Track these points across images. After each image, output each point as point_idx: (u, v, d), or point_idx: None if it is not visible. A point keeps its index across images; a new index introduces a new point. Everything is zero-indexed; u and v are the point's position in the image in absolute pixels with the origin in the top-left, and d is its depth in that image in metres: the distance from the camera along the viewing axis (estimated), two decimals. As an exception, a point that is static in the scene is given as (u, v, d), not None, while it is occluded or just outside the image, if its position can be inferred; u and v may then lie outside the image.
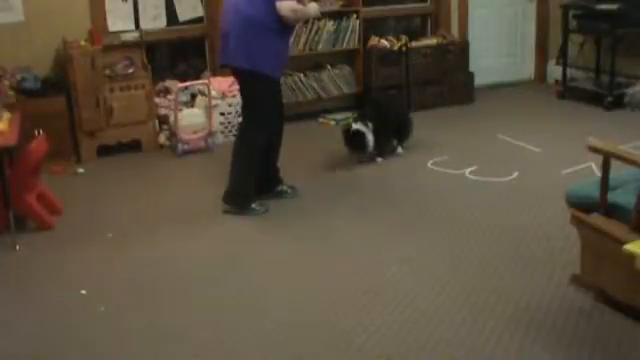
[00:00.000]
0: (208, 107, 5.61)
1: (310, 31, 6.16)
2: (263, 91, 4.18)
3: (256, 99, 4.22)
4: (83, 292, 3.41)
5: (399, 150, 5.31)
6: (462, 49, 6.72)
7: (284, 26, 4.10)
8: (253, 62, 4.05)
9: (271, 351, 2.87)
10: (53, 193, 4.43)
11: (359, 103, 6.50)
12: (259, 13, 4.00)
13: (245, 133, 4.31)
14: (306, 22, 6.03)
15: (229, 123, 5.77)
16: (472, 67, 6.79)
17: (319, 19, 6.09)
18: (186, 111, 5.64)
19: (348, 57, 6.55)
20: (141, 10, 5.82)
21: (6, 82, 5.17)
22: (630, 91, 6.26)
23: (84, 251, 3.89)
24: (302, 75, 6.25)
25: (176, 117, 5.50)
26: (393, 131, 5.27)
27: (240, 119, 5.33)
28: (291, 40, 4.91)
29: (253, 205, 4.30)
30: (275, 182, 4.53)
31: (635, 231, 2.77)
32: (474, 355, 2.76)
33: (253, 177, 4.31)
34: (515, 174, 4.78)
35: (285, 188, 4.54)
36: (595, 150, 3.00)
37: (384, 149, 5.19)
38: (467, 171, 4.87)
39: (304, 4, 4.15)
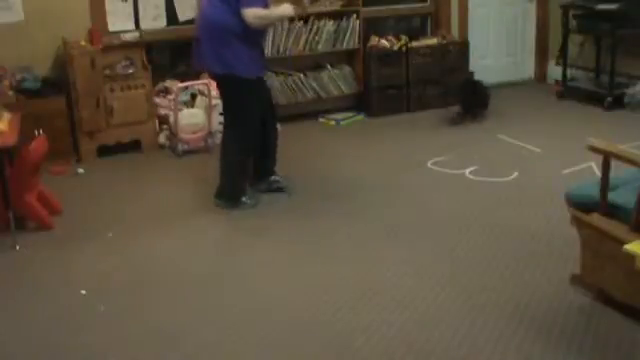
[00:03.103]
0: (208, 107, 5.60)
1: (310, 31, 6.15)
2: (241, 92, 4.18)
3: (235, 101, 4.24)
4: (83, 292, 3.41)
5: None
6: (462, 49, 6.71)
7: (252, 31, 4.06)
8: (225, 66, 4.07)
9: (271, 351, 2.87)
10: (53, 193, 4.43)
11: (359, 102, 6.52)
12: (222, 19, 4.01)
13: (229, 136, 4.32)
14: (305, 21, 6.03)
15: (229, 123, 5.76)
16: (472, 67, 6.78)
17: (319, 19, 6.09)
18: (186, 111, 5.64)
19: (348, 57, 6.54)
20: (141, 10, 5.82)
21: (6, 82, 5.16)
22: (630, 91, 6.25)
23: (84, 251, 3.89)
24: (302, 75, 6.25)
25: (176, 117, 5.50)
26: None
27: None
28: (265, 43, 4.88)
29: (243, 198, 4.34)
30: (268, 174, 4.56)
31: (635, 231, 2.76)
32: (474, 355, 2.76)
33: (245, 175, 4.34)
34: (515, 174, 4.78)
35: (277, 178, 4.57)
36: (595, 150, 3.00)
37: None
38: (467, 171, 4.87)
39: (269, 8, 4.10)
